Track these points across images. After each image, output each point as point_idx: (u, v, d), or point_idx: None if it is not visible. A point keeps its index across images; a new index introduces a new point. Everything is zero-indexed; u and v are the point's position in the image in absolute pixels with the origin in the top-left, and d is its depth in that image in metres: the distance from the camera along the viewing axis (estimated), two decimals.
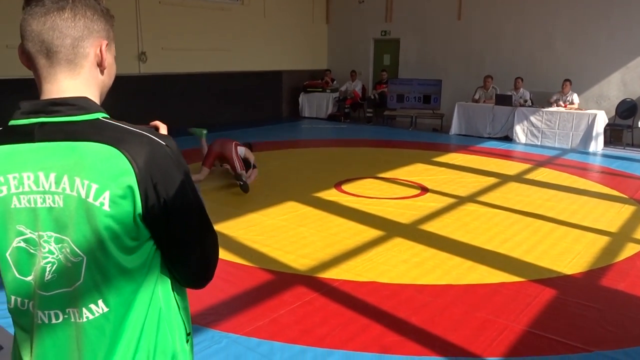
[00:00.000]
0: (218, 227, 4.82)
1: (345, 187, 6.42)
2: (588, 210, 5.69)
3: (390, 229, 4.91)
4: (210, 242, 1.17)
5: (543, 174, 7.39)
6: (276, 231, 4.83)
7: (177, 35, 10.71)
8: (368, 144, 9.63)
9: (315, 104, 13.20)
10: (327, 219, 5.21)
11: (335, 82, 13.43)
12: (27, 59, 1.04)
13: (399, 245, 4.51)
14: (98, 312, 1.06)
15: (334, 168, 7.49)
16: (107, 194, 1.00)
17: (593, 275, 3.98)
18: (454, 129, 10.84)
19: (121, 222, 1.01)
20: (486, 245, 4.54)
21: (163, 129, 1.18)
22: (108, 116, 1.06)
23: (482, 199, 6.01)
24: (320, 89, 13.19)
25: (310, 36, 13.81)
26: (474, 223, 5.16)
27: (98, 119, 1.04)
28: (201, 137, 7.30)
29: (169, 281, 1.15)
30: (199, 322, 3.15)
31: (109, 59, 1.11)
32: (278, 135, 10.39)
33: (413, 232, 4.86)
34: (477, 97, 10.92)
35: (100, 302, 1.05)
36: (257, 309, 3.34)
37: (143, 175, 1.01)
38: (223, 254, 4.21)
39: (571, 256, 4.32)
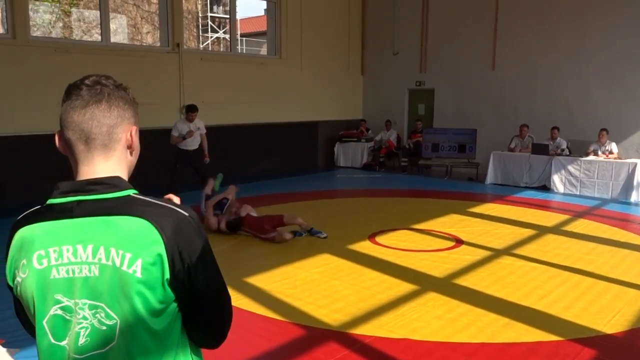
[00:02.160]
0: (251, 280, 4.91)
1: (379, 238, 6.43)
2: (629, 264, 5.53)
3: (423, 282, 4.88)
4: (227, 302, 1.27)
5: (582, 225, 7.23)
6: (309, 284, 4.87)
7: (217, 89, 11.15)
8: (403, 194, 9.65)
9: (350, 154, 13.37)
10: (361, 272, 5.23)
11: (370, 131, 13.62)
12: (66, 145, 1.18)
13: (433, 300, 4.47)
14: None
15: (369, 218, 7.52)
16: (139, 262, 1.10)
17: (635, 335, 3.85)
18: (490, 178, 10.76)
19: (151, 287, 1.11)
20: (523, 301, 4.45)
21: (177, 201, 1.30)
22: (137, 192, 1.18)
23: (518, 251, 5.92)
24: (356, 139, 13.38)
25: (346, 87, 14.13)
26: (510, 277, 5.08)
27: (129, 195, 1.16)
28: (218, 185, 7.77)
29: (188, 342, 1.24)
30: None
31: (136, 141, 1.25)
32: (313, 185, 10.54)
33: (447, 286, 4.81)
34: (513, 146, 10.87)
35: None
36: None
37: (170, 244, 1.12)
38: (256, 308, 4.27)
39: (611, 314, 4.19)
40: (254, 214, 6.75)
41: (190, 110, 8.04)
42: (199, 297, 1.18)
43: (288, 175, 11.68)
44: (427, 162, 12.23)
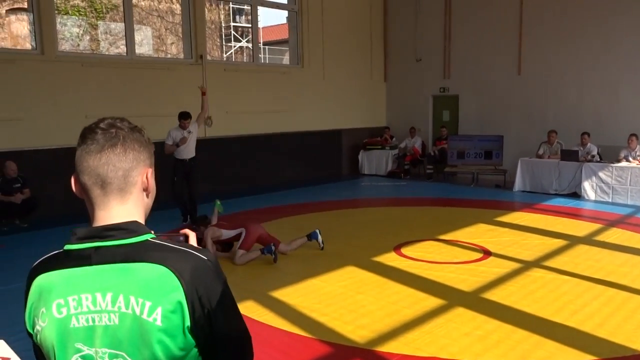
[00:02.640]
0: (276, 295, 4.87)
1: (405, 250, 6.34)
2: None
3: (451, 297, 4.78)
4: (248, 344, 1.23)
5: (615, 235, 7.01)
6: (334, 299, 4.81)
7: (241, 99, 11.21)
8: (429, 203, 9.53)
9: (374, 161, 13.28)
10: (386, 285, 5.15)
11: (394, 139, 13.52)
12: (82, 189, 1.15)
13: (461, 316, 4.37)
14: None
15: (394, 229, 7.43)
16: (159, 310, 1.08)
17: None
18: (518, 185, 10.55)
19: (172, 334, 1.08)
20: (554, 317, 4.31)
21: (192, 237, 1.26)
22: (155, 236, 1.16)
23: (549, 263, 5.76)
24: (380, 146, 13.30)
25: (369, 94, 14.07)
26: (541, 291, 4.93)
27: (147, 240, 1.13)
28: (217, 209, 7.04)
29: None
30: None
31: (152, 184, 1.21)
32: (337, 194, 10.48)
33: (475, 301, 4.70)
34: (541, 152, 10.65)
35: None
36: None
37: (189, 290, 1.09)
38: (281, 323, 4.23)
39: None
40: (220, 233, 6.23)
41: (183, 118, 7.74)
42: (220, 341, 1.15)
43: (312, 184, 11.66)
44: (453, 169, 12.07)
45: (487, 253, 6.17)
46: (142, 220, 1.18)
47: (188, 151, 7.74)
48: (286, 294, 4.91)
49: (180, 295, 1.08)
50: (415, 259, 5.96)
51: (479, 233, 7.12)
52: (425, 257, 6.04)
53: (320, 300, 4.78)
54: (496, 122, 12.24)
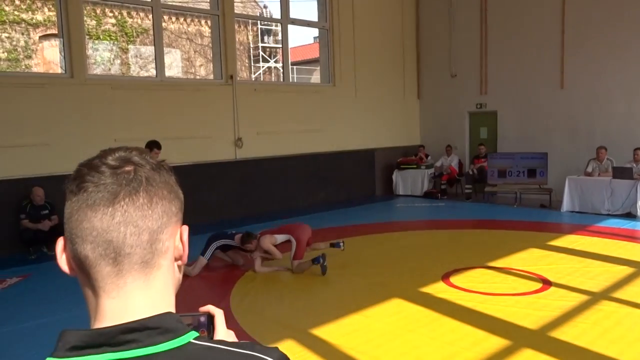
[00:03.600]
0: (318, 332, 4.42)
1: (454, 279, 5.82)
2: None
3: (515, 336, 4.24)
4: None
5: None
6: (383, 338, 4.33)
7: (271, 119, 10.89)
8: (471, 225, 8.97)
9: (409, 181, 12.78)
10: (439, 322, 4.64)
11: (429, 157, 13.01)
12: (78, 266, 0.72)
13: (531, 359, 3.83)
14: None
15: (438, 255, 6.91)
16: None
17: None
18: (566, 205, 9.91)
19: None
20: None
21: (220, 316, 0.84)
22: (198, 334, 0.73)
23: (619, 295, 5.17)
24: (415, 166, 12.79)
25: (402, 112, 13.62)
26: (617, 329, 4.36)
27: (189, 342, 0.71)
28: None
29: None
30: None
31: (187, 248, 0.80)
32: (372, 217, 10.00)
33: (544, 341, 4.15)
34: (590, 170, 10.00)
35: None
36: None
37: None
38: None
39: None
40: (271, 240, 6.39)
41: (155, 147, 6.68)
42: None
43: (345, 206, 11.21)
44: (494, 188, 11.48)
45: (546, 283, 5.61)
46: (173, 309, 0.76)
47: None
48: (329, 332, 4.44)
49: None
50: (467, 290, 5.43)
51: (532, 259, 6.54)
52: (478, 287, 5.51)
53: (367, 339, 4.31)
54: (538, 139, 11.63)
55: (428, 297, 5.25)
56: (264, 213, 10.26)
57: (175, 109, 9.49)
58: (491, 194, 11.62)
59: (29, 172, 7.87)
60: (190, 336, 0.72)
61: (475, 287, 5.52)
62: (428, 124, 13.90)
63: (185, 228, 0.79)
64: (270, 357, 0.74)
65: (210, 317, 0.88)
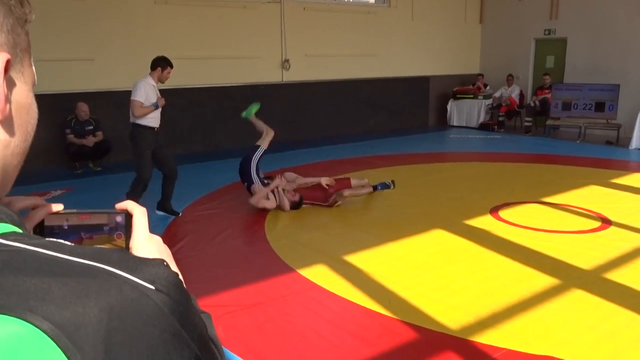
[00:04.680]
0: (351, 259, 4.21)
1: (503, 213, 5.44)
2: None
3: (565, 275, 3.89)
4: None
5: None
6: (420, 269, 4.07)
7: (321, 41, 10.38)
8: (528, 159, 8.40)
9: (465, 112, 12.11)
10: (482, 255, 4.33)
11: (488, 87, 12.22)
12: None
13: (580, 301, 3.50)
14: None
15: (489, 188, 6.49)
16: None
17: None
18: (635, 142, 9.12)
19: None
20: None
21: (140, 216, 0.60)
22: (18, 229, 0.48)
23: None
24: (472, 95, 12.06)
25: (462, 38, 12.73)
26: None
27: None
28: (249, 116, 6.26)
29: None
30: None
31: (20, 94, 0.54)
32: (423, 147, 9.55)
33: (597, 282, 3.78)
34: None
35: None
36: None
37: None
38: (356, 297, 3.57)
39: None
40: (300, 181, 6.01)
41: (168, 65, 5.18)
42: None
43: (396, 135, 10.78)
44: (556, 122, 10.70)
45: (606, 222, 5.14)
46: None
47: (158, 117, 5.31)
48: (363, 260, 4.23)
49: None
50: (517, 225, 5.06)
51: (592, 197, 6.03)
52: (529, 223, 5.12)
53: (403, 269, 4.07)
54: (611, 69, 10.62)
55: (473, 230, 4.93)
56: (310, 140, 10.00)
57: (220, 27, 9.14)
58: (553, 128, 10.85)
59: (74, 88, 7.85)
60: (7, 227, 0.45)
61: (526, 222, 5.14)
62: (489, 51, 12.97)
63: (8, 58, 0.50)
64: (147, 282, 0.46)
65: (129, 217, 0.63)
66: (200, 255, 4.35)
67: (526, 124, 11.24)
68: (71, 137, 7.49)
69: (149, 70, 5.21)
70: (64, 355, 0.40)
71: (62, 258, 0.45)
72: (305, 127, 10.32)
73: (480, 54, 13.18)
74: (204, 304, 3.08)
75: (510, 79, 11.66)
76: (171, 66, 5.23)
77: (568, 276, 3.88)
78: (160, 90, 5.36)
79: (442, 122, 12.41)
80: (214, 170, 7.58)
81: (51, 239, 0.49)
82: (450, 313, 3.34)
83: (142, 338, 0.44)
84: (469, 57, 12.99)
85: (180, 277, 0.52)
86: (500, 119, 11.56)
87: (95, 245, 0.61)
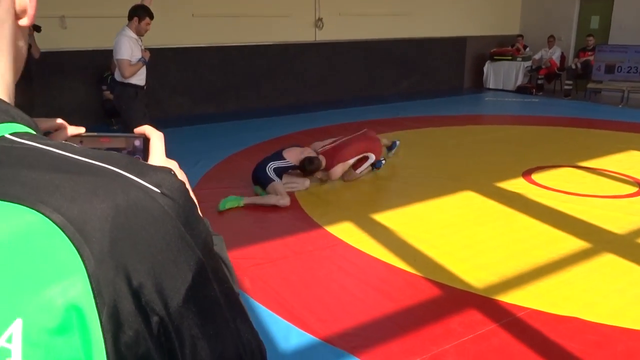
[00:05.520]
0: (378, 217, 4.22)
1: (536, 176, 5.33)
2: None
3: (597, 239, 3.81)
4: None
5: None
6: (448, 229, 4.05)
7: None
8: (566, 123, 8.15)
9: (502, 74, 11.76)
10: (512, 217, 4.27)
11: (528, 49, 11.81)
12: None
13: (611, 265, 3.43)
14: None
15: (523, 151, 6.35)
16: (16, 329, 0.41)
17: None
18: None
19: None
20: None
21: (157, 141, 0.61)
22: (31, 129, 0.49)
23: None
24: (510, 57, 11.68)
25: None
26: None
27: (3, 137, 0.46)
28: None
29: None
30: (340, 345, 2.58)
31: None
32: (457, 109, 9.37)
33: (630, 247, 3.70)
34: None
35: None
36: (415, 337, 2.66)
37: (107, 274, 0.43)
38: (381, 253, 3.59)
39: None
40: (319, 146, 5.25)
41: (147, 15, 4.77)
42: None
43: (430, 97, 10.58)
44: (598, 85, 10.30)
45: None
46: (4, 90, 0.51)
47: (145, 72, 4.98)
48: (390, 218, 4.23)
49: (78, 290, 0.42)
50: (549, 188, 4.95)
51: (631, 162, 5.84)
52: (563, 186, 5.00)
53: (430, 228, 4.05)
54: None
55: (504, 193, 4.85)
56: (343, 100, 9.92)
57: None
58: (594, 91, 10.46)
59: (110, 45, 7.91)
60: (7, 129, 0.46)
61: (559, 186, 5.02)
62: (530, 11, 12.47)
63: None
64: (154, 185, 0.47)
65: (146, 141, 0.64)
66: (229, 210, 4.42)
67: (566, 87, 10.86)
68: (107, 94, 7.61)
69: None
70: (72, 245, 0.42)
71: (73, 158, 0.47)
72: (337, 88, 10.22)
73: (520, 14, 12.69)
74: (231, 256, 3.15)
75: (551, 41, 11.22)
76: (151, 17, 4.78)
77: (600, 240, 3.80)
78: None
79: (478, 84, 12.10)
80: (245, 129, 7.62)
81: (63, 141, 0.50)
82: (475, 272, 3.33)
83: (146, 237, 0.45)
84: (508, 17, 12.53)
85: (188, 186, 0.53)
86: (539, 82, 11.19)
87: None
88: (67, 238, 0.42)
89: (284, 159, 4.82)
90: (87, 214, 0.43)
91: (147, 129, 0.65)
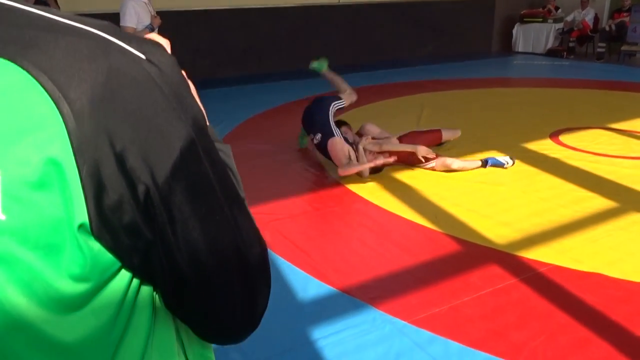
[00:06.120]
0: (399, 175, 4.18)
1: (564, 137, 5.20)
2: None
3: (625, 199, 3.72)
4: (254, 262, 0.54)
5: None
6: (471, 188, 3.99)
7: None
8: (597, 86, 7.89)
9: (532, 37, 11.39)
10: (537, 177, 4.18)
11: (559, 10, 11.39)
12: None
13: (638, 224, 3.35)
14: None
15: (551, 113, 6.18)
16: None
17: None
18: None
19: (39, 243, 0.42)
20: None
21: (165, 46, 0.54)
22: None
23: None
24: (540, 19, 11.29)
25: None
26: None
27: None
28: (321, 69, 4.90)
29: (173, 335, 0.57)
30: (359, 297, 2.58)
31: None
32: (484, 72, 9.14)
33: None
34: None
35: None
36: (434, 290, 2.65)
37: (88, 133, 0.42)
38: (402, 210, 3.56)
39: None
40: (387, 143, 4.30)
41: None
42: (187, 262, 0.49)
43: (457, 60, 10.33)
44: (632, 48, 9.92)
45: None
46: None
47: None
48: (412, 177, 4.19)
49: (58, 145, 0.41)
50: (577, 149, 4.83)
51: None
52: (591, 147, 4.87)
53: (453, 187, 4.00)
54: None
55: (529, 153, 4.74)
56: (367, 63, 9.76)
57: None
58: (628, 54, 10.08)
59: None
60: None
61: (588, 147, 4.89)
62: None
63: None
64: (140, 52, 0.47)
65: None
66: (251, 167, 4.42)
67: (599, 50, 10.48)
68: None
69: None
70: (51, 101, 0.41)
71: (57, 19, 0.47)
72: (361, 51, 10.04)
73: None
74: (252, 212, 3.16)
75: (584, 1, 10.78)
76: None
77: (628, 200, 3.70)
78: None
79: (507, 47, 11.76)
80: (268, 91, 7.58)
81: (49, 7, 0.50)
82: (497, 229, 3.28)
83: (129, 100, 0.44)
84: None
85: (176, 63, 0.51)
86: (571, 44, 10.82)
87: None
88: (46, 93, 0.41)
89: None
90: (68, 72, 0.42)
91: (153, 36, 0.64)
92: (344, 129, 4.36)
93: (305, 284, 2.71)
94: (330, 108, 4.40)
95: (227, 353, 2.14)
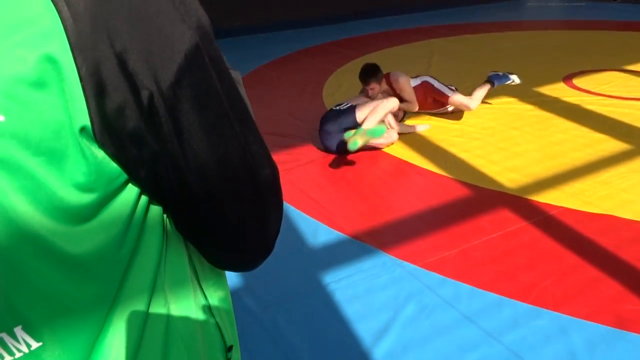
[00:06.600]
0: (408, 122, 4.12)
1: (577, 81, 5.08)
2: None
3: (639, 141, 3.66)
4: (264, 182, 0.53)
5: None
6: (481, 133, 3.95)
7: None
8: (614, 27, 7.64)
9: None
10: (550, 121, 4.12)
11: None
12: None
13: None
14: (19, 351, 0.48)
15: (564, 57, 6.03)
16: None
17: None
18: None
19: (40, 148, 0.41)
20: None
21: None
22: None
23: None
24: None
25: None
26: None
27: None
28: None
29: (186, 261, 0.56)
30: (369, 242, 2.60)
31: None
32: (495, 16, 8.88)
33: None
34: None
35: (18, 330, 0.47)
36: (444, 234, 2.66)
37: (86, 30, 0.40)
38: (413, 157, 3.54)
39: None
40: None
41: None
42: (194, 175, 0.48)
43: (467, 4, 10.03)
44: None
45: None
46: None
47: None
48: (421, 123, 4.13)
49: (56, 42, 0.39)
50: (591, 92, 4.73)
51: None
52: (605, 90, 4.76)
53: (463, 133, 3.96)
54: None
55: (542, 97, 4.66)
56: (375, 10, 9.50)
57: None
58: None
59: None
60: None
61: (602, 89, 4.78)
62: None
63: None
64: None
65: None
66: (258, 116, 4.39)
67: None
68: None
69: None
70: (49, 5, 0.39)
71: None
72: None
73: None
74: None
75: None
76: None
77: None
78: None
79: None
80: (275, 42, 7.45)
81: None
82: (507, 174, 3.26)
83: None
84: None
85: None
86: None
87: None
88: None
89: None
90: None
91: None
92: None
93: (316, 230, 2.73)
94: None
95: (239, 297, 2.19)
